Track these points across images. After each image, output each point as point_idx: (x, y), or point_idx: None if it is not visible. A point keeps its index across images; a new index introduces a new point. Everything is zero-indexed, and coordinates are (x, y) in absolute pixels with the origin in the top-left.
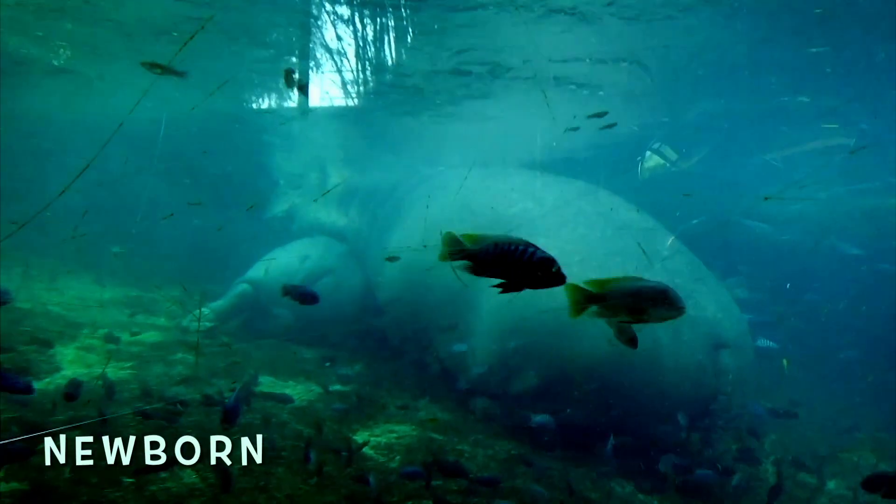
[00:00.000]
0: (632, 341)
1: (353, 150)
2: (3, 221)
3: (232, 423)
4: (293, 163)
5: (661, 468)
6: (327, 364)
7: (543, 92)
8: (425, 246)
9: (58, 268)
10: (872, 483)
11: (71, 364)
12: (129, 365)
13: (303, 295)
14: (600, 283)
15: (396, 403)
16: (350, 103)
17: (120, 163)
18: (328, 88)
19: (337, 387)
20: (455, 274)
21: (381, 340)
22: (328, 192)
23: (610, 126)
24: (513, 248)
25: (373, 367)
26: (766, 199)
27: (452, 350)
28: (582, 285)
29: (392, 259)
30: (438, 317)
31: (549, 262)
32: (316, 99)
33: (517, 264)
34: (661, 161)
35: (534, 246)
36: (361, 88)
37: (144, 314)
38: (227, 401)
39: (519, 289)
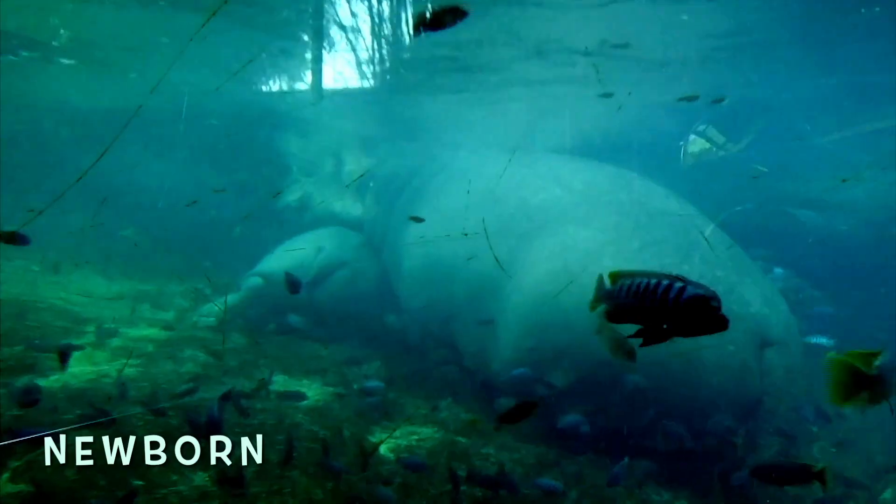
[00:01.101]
0: (630, 355)
1: (369, 135)
2: (20, 209)
3: (217, 432)
4: (306, 149)
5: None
6: (354, 367)
7: (595, 66)
8: (467, 233)
9: (68, 259)
10: (761, 472)
11: (78, 362)
12: (136, 362)
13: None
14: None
15: (417, 404)
16: (367, 84)
17: (137, 149)
18: (342, 68)
19: (354, 386)
20: (496, 261)
21: (401, 337)
22: (358, 178)
23: (718, 101)
24: (653, 284)
25: (391, 365)
26: (843, 181)
27: (477, 347)
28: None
29: (416, 219)
30: (462, 311)
31: (703, 300)
32: (330, 80)
33: (661, 307)
34: (708, 145)
35: (682, 279)
36: (379, 67)
37: (153, 309)
38: (208, 411)
39: (664, 338)
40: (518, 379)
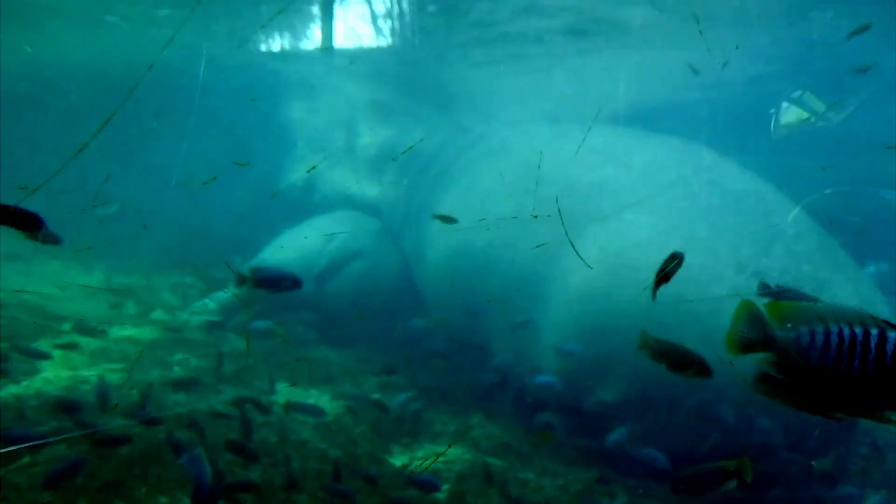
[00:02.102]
0: (702, 369)
1: (388, 102)
2: (11, 186)
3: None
4: (315, 119)
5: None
6: (370, 375)
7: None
8: (518, 216)
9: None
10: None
11: (52, 365)
12: (120, 366)
13: (274, 279)
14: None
15: (444, 419)
16: (386, 42)
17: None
18: (356, 24)
19: (375, 396)
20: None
21: (423, 340)
22: (403, 152)
23: (864, 69)
24: (862, 333)
25: (412, 374)
26: None
27: (514, 353)
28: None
29: (444, 220)
30: (497, 311)
31: None
32: (342, 38)
33: (876, 371)
34: (805, 114)
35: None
36: (399, 22)
37: (138, 305)
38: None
39: (857, 411)
40: (545, 388)
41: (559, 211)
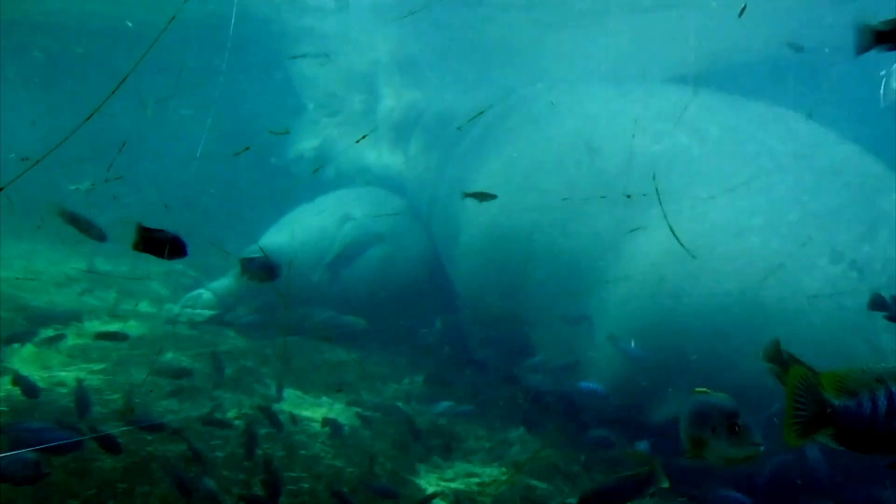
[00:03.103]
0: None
1: (415, 58)
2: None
3: None
4: (327, 78)
5: None
6: (391, 382)
7: None
8: (572, 194)
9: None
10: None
11: (25, 363)
12: (101, 367)
13: (261, 268)
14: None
15: (477, 434)
16: None
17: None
18: None
19: (399, 404)
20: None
21: (455, 340)
22: (471, 118)
23: None
24: None
25: (441, 379)
26: None
27: (562, 356)
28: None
29: (480, 197)
30: (542, 305)
31: None
32: None
33: None
34: None
35: None
36: None
37: (121, 295)
38: None
39: None
40: (589, 395)
41: (656, 190)
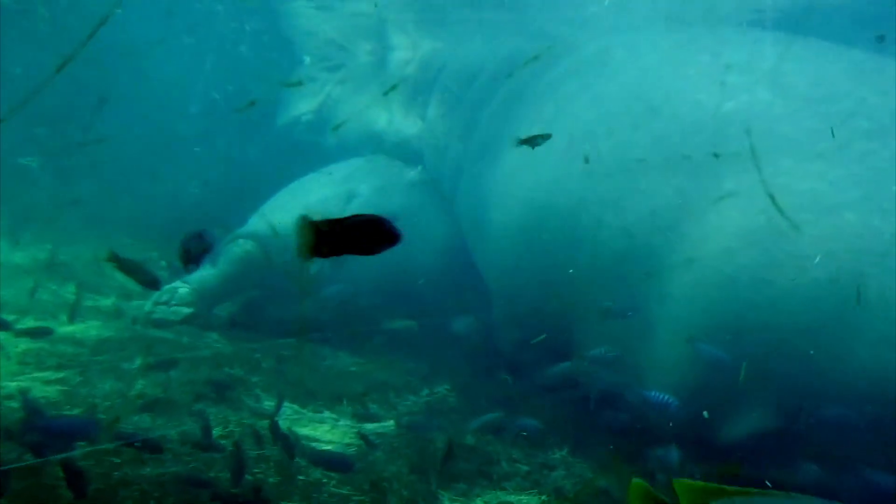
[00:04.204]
0: None
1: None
2: None
3: None
4: (327, 25)
5: None
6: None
7: None
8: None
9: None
10: None
11: None
12: (59, 376)
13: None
14: None
15: (512, 454)
16: None
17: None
18: None
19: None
20: None
21: (483, 342)
22: (528, 60)
23: None
24: None
25: (468, 390)
26: None
27: (614, 356)
28: None
29: (530, 141)
30: (590, 296)
31: None
32: None
33: None
34: None
35: None
36: None
37: (82, 290)
38: None
39: None
40: (660, 407)
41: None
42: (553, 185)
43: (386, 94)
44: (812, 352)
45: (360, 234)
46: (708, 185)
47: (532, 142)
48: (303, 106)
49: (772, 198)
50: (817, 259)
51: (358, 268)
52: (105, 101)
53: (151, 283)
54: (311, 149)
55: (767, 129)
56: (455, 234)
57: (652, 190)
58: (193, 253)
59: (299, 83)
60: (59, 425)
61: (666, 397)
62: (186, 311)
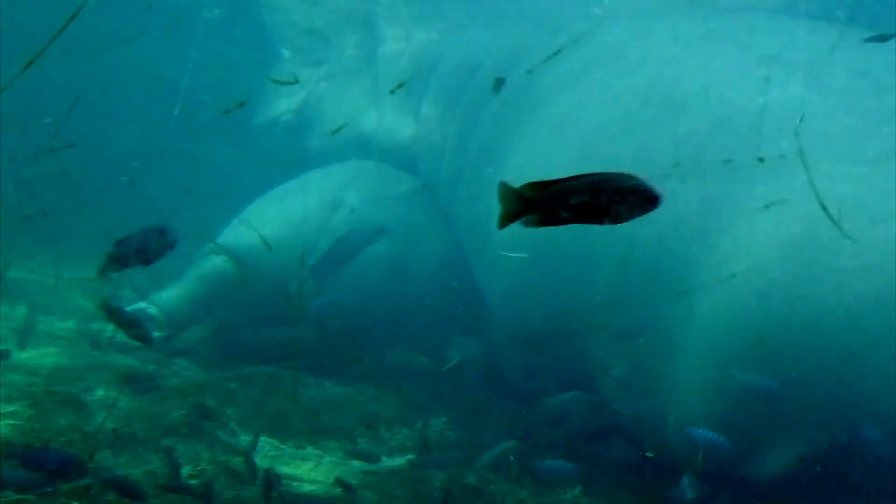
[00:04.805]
0: None
1: None
2: None
3: None
4: (309, 14)
5: None
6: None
7: None
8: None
9: None
10: None
11: None
12: (9, 409)
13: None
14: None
15: (520, 496)
16: None
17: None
18: None
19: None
20: None
21: (488, 370)
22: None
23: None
24: None
25: (471, 423)
26: None
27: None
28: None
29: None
30: (607, 317)
31: None
32: None
33: None
34: None
35: None
36: None
37: (34, 312)
38: None
39: None
40: (711, 448)
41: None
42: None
43: (393, 92)
44: (855, 377)
45: (582, 200)
46: (739, 191)
47: (498, 86)
48: (282, 105)
49: (822, 205)
50: (861, 274)
51: (347, 285)
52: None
53: (144, 340)
54: (290, 152)
55: (803, 129)
56: (453, 248)
57: (675, 197)
58: (153, 250)
59: (295, 81)
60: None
61: (715, 436)
62: (154, 334)
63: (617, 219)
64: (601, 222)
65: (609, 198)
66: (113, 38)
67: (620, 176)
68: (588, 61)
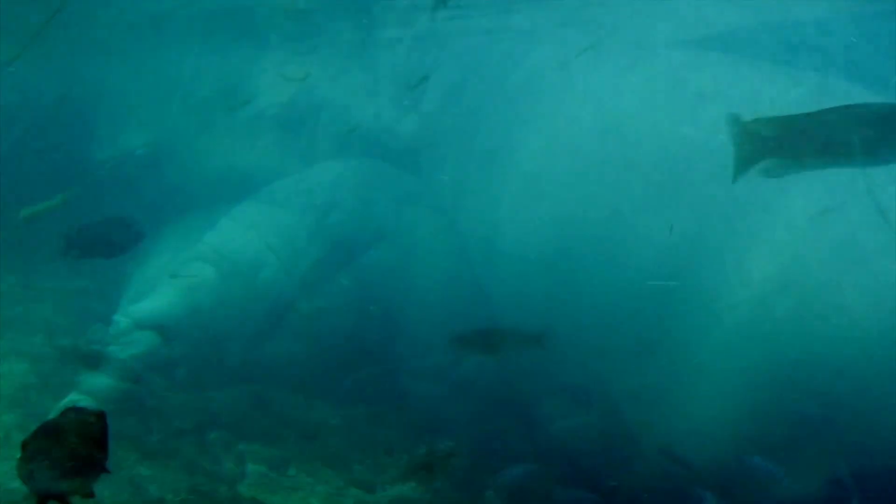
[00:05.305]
0: None
1: None
2: None
3: None
4: None
5: None
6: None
7: None
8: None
9: None
10: None
11: None
12: None
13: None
14: None
15: None
16: None
17: None
18: None
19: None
20: None
21: (504, 389)
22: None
23: None
24: None
25: (479, 447)
26: None
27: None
28: None
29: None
30: (622, 343)
31: None
32: None
33: None
34: None
35: None
36: None
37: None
38: None
39: None
40: (764, 476)
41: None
42: (590, 197)
43: (414, 87)
44: (866, 408)
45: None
46: (723, 229)
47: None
48: (271, 96)
49: (882, 213)
50: (870, 304)
51: (343, 296)
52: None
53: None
54: (277, 147)
55: None
56: (459, 257)
57: (657, 231)
58: (118, 243)
59: (305, 77)
60: None
61: (772, 467)
62: (134, 350)
63: (874, 156)
64: (853, 163)
65: (869, 130)
66: None
67: (875, 105)
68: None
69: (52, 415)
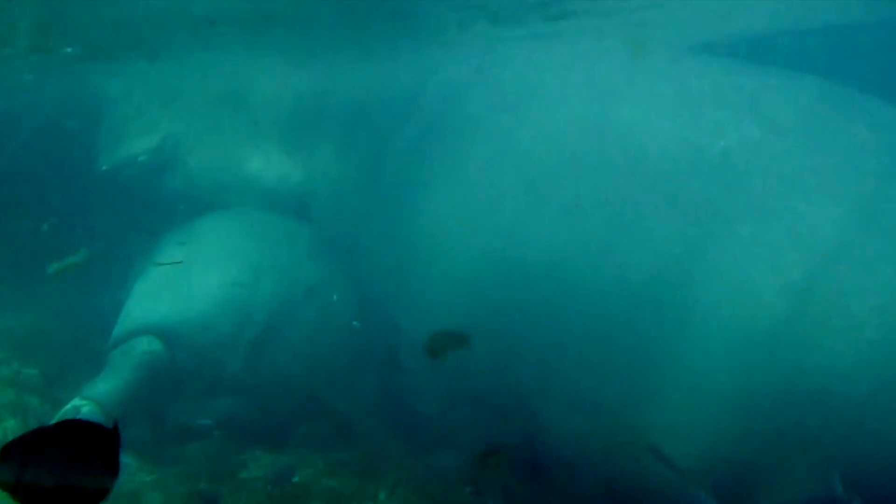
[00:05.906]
0: None
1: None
2: None
3: None
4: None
5: None
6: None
7: None
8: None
9: None
10: None
11: None
12: None
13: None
14: None
15: None
16: None
17: None
18: None
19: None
20: None
21: (430, 425)
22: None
23: None
24: None
25: (426, 488)
26: None
27: (600, 453)
28: None
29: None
30: (569, 381)
31: None
32: None
33: None
34: None
35: None
36: None
37: None
38: None
39: None
40: None
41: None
42: (516, 233)
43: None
44: (866, 422)
45: None
46: (718, 235)
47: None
48: (138, 145)
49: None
50: (866, 317)
51: (285, 352)
52: None
53: None
54: (146, 198)
55: (768, 171)
56: (360, 304)
57: (650, 238)
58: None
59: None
60: None
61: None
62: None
63: None
64: None
65: None
66: None
67: None
68: (502, 98)
69: (54, 420)
